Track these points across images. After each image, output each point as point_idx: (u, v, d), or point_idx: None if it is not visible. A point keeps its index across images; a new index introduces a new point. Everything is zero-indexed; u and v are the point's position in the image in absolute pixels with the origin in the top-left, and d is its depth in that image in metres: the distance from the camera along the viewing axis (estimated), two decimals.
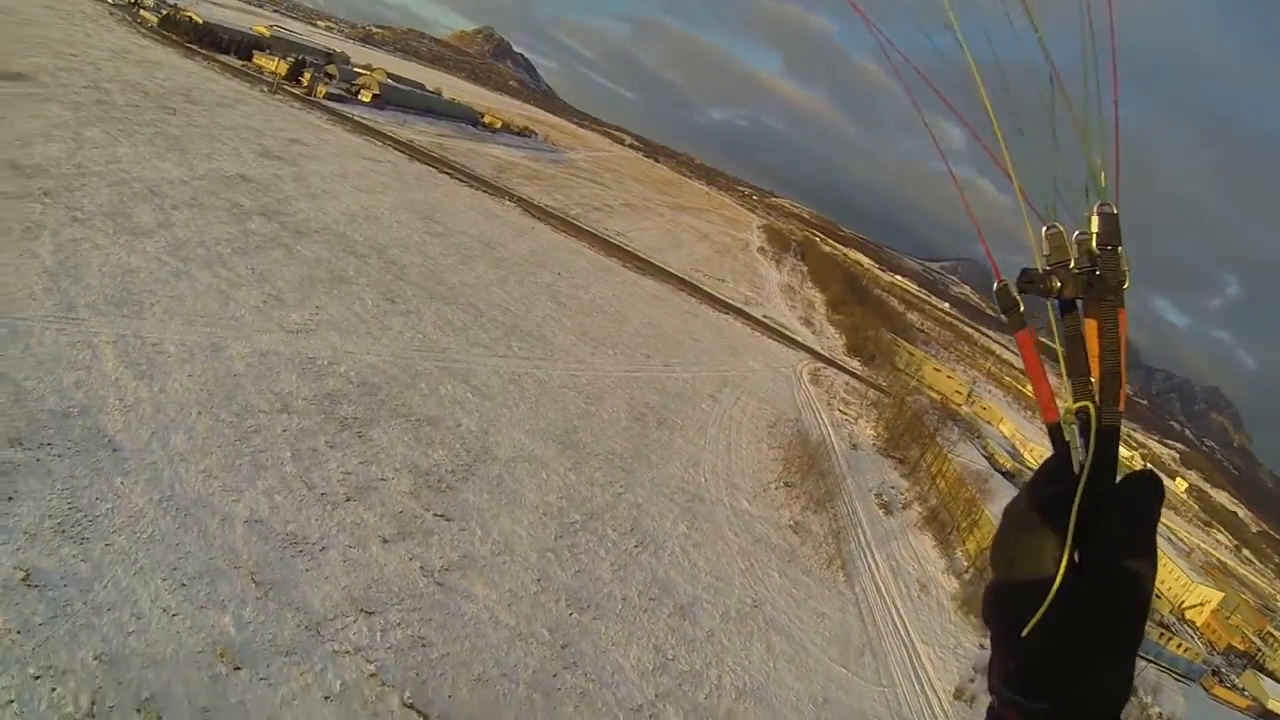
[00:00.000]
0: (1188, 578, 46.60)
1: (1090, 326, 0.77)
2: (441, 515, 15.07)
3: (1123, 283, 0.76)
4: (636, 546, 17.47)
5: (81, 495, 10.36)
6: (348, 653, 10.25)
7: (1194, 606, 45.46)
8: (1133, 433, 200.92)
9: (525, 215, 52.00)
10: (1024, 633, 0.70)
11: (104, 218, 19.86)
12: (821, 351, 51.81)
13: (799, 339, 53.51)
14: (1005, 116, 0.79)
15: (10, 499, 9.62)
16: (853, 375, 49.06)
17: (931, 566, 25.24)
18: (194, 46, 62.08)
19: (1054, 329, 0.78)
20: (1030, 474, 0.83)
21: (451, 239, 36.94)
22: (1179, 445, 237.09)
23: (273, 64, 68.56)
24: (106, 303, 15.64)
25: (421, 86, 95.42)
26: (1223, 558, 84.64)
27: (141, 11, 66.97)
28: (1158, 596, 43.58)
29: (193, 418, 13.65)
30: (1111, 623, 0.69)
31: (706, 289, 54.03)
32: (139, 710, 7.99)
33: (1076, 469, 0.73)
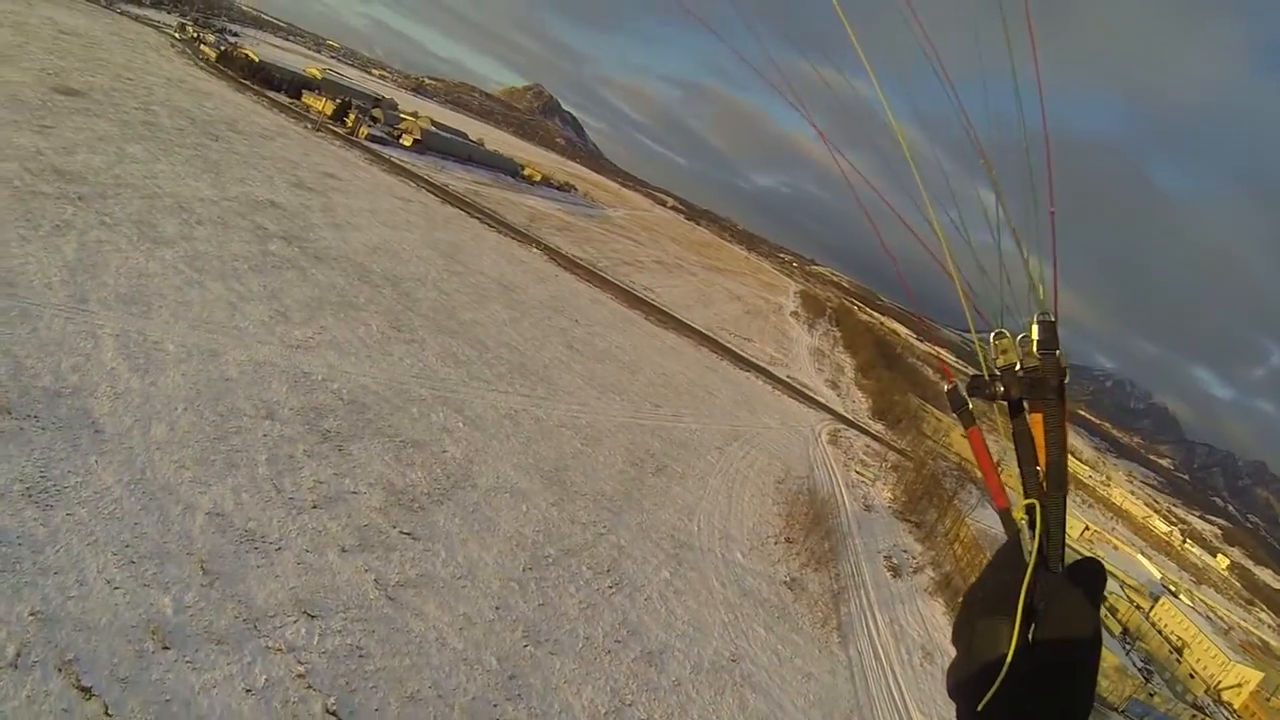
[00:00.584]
0: (1226, 657, 43.01)
1: (1035, 421, 0.89)
2: (408, 534, 15.34)
3: (1064, 380, 0.89)
4: (611, 587, 17.26)
5: (55, 466, 11.17)
6: (280, 650, 10.38)
7: (1232, 687, 41.76)
8: (1173, 508, 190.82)
9: (550, 263, 54.76)
10: (979, 707, 0.81)
11: (130, 225, 22.14)
12: (844, 413, 52.17)
13: (822, 400, 53.56)
14: (955, 235, 0.93)
15: None
16: (874, 438, 48.66)
17: (939, 634, 23.86)
18: (246, 82, 69.44)
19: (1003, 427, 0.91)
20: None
21: (470, 278, 39.29)
22: (1221, 521, 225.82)
23: (319, 104, 76.06)
24: (118, 300, 17.24)
25: (465, 135, 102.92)
26: (1265, 636, 77.35)
27: (202, 46, 76.04)
28: (1191, 676, 40.60)
29: (177, 412, 14.62)
30: (1061, 696, 0.81)
31: (730, 346, 54.74)
32: (60, 669, 8.30)
33: (1026, 557, 0.85)
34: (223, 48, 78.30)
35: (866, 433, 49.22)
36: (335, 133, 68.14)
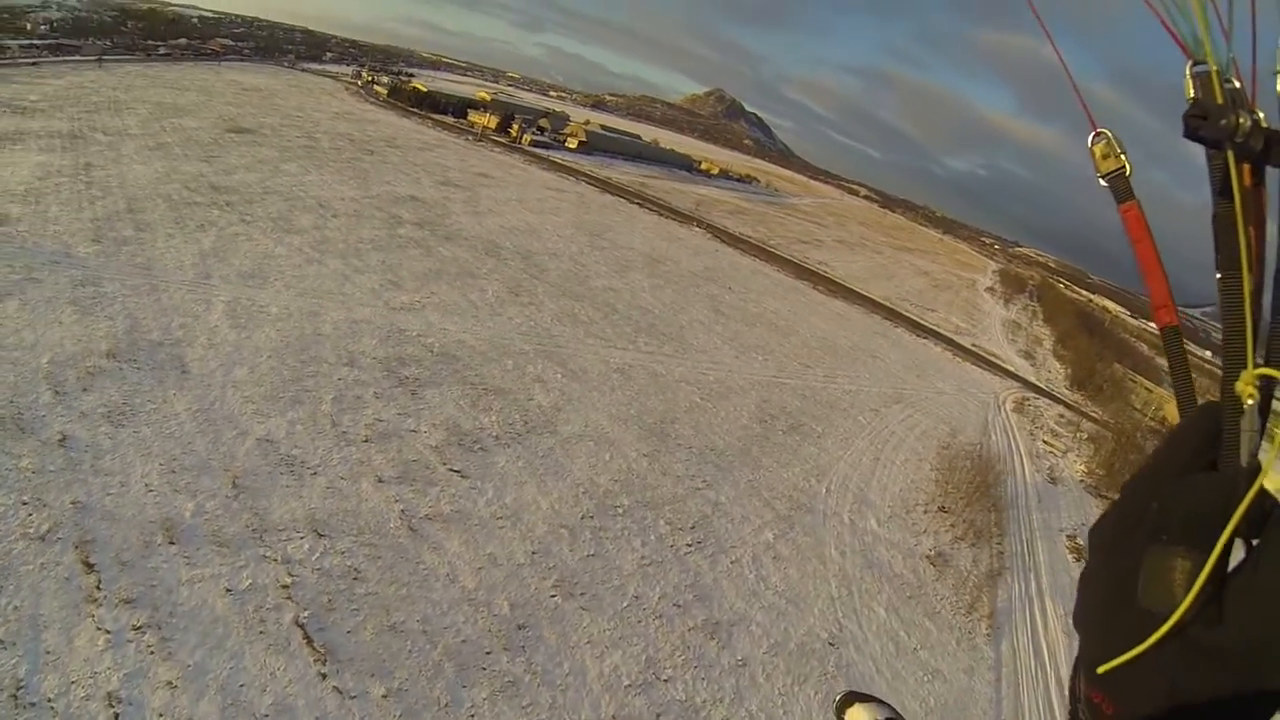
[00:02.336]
0: None
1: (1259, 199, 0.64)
2: (457, 471, 15.98)
3: None
4: (689, 545, 15.77)
5: (137, 396, 14.50)
6: (274, 561, 11.50)
7: None
8: None
9: (711, 240, 57.80)
10: (1100, 669, 0.65)
11: (267, 221, 28.12)
12: (1035, 382, 51.31)
13: (1010, 368, 52.44)
14: None
15: (85, 390, 14.12)
16: (1069, 407, 46.52)
17: None
18: (414, 110, 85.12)
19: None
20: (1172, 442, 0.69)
21: (613, 253, 42.47)
22: None
23: (484, 119, 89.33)
24: (238, 275, 22.04)
25: (637, 137, 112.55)
26: None
27: (375, 87, 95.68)
28: None
29: (261, 359, 17.85)
30: (1238, 701, 0.58)
31: (909, 315, 54.74)
32: (76, 547, 10.46)
33: (1246, 458, 0.61)
34: (393, 83, 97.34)
35: (1060, 402, 46.96)
36: (498, 142, 79.79)
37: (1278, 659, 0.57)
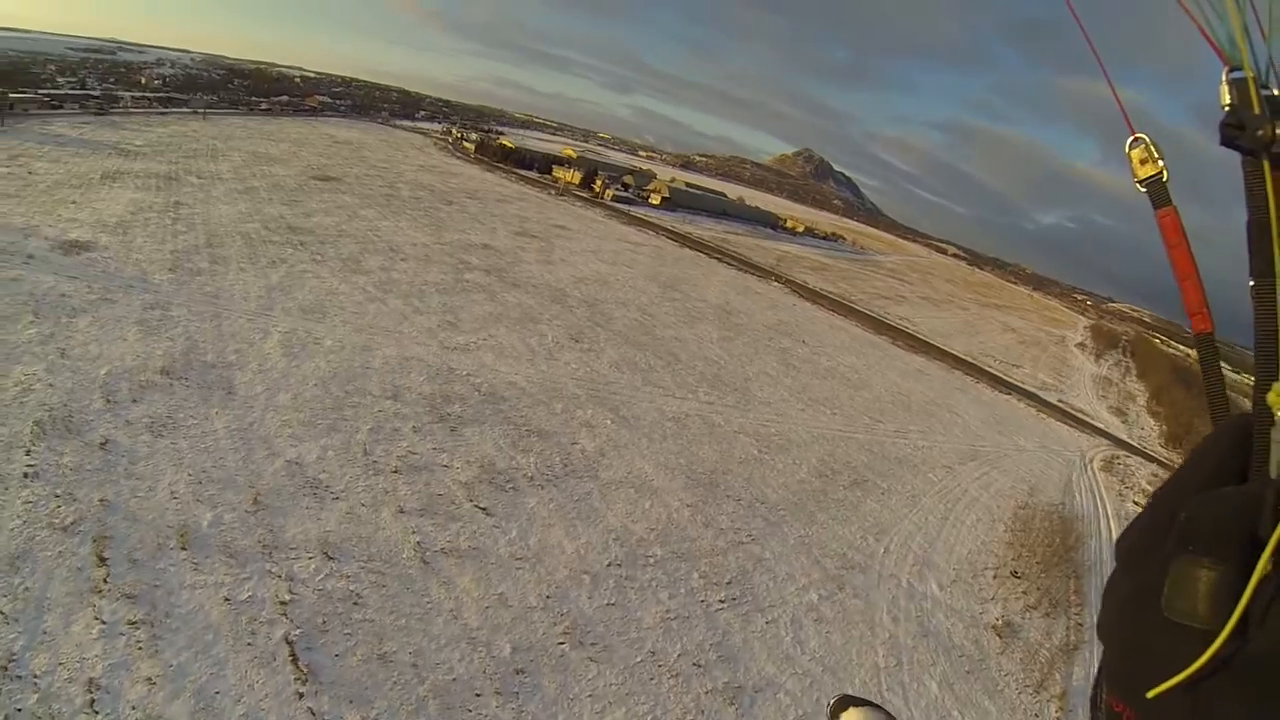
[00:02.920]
0: None
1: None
2: (482, 509, 16.13)
3: None
4: (722, 601, 15.01)
5: (181, 410, 15.90)
6: (278, 578, 11.88)
7: None
8: None
9: (789, 294, 59.50)
10: (1150, 694, 0.67)
11: (337, 261, 30.80)
12: (1127, 440, 50.67)
13: (1100, 425, 51.52)
14: None
15: (134, 401, 15.69)
16: (1163, 465, 46.02)
17: None
18: (499, 165, 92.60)
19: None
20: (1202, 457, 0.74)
21: (685, 304, 43.99)
22: None
23: (567, 175, 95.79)
24: (299, 309, 24.16)
25: (722, 195, 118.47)
26: None
27: (463, 143, 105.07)
28: None
29: (307, 387, 19.20)
30: (1262, 714, 0.60)
31: (991, 371, 55.44)
32: (94, 540, 11.36)
33: (1275, 470, 0.65)
34: (481, 139, 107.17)
35: (1154, 460, 46.13)
36: (580, 197, 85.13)
37: None
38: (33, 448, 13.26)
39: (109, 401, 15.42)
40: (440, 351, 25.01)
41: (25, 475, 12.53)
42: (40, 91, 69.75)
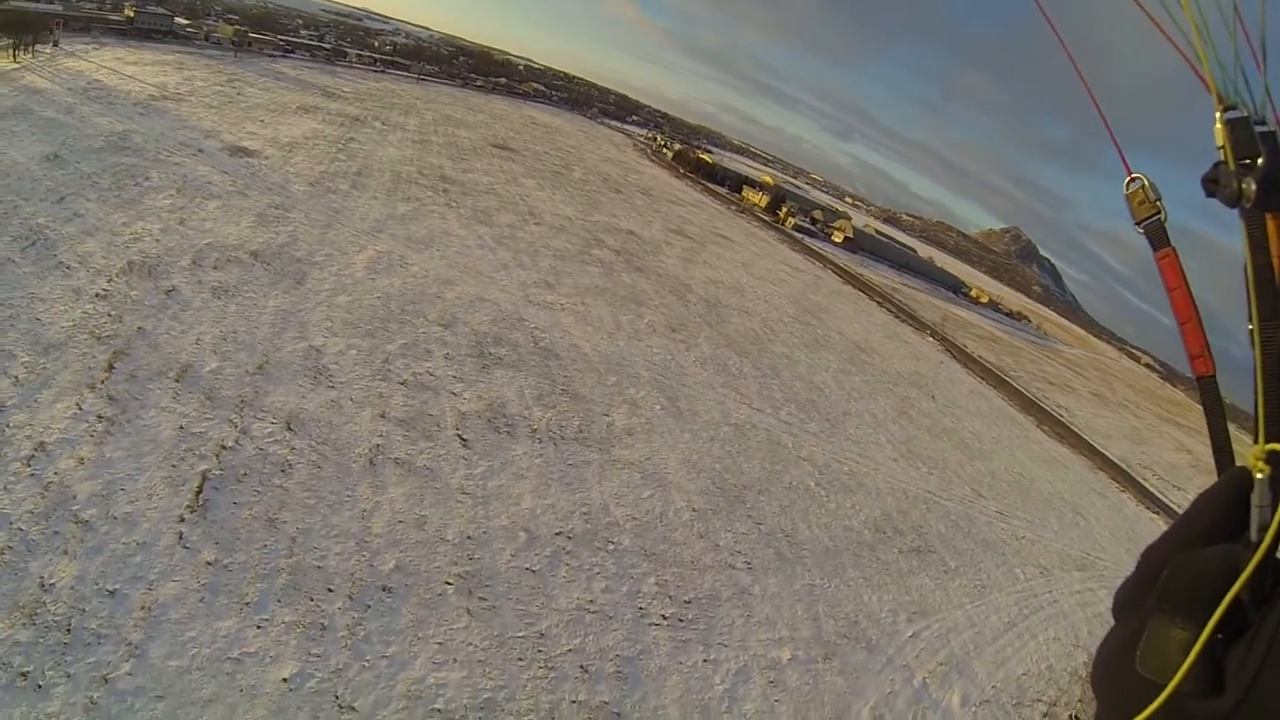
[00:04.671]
0: None
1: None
2: (463, 439, 16.96)
3: None
4: (664, 618, 13.99)
5: (248, 284, 18.75)
6: (234, 427, 13.63)
7: None
8: None
9: (941, 352, 56.49)
10: None
11: (469, 210, 33.90)
12: None
13: None
14: None
15: (215, 268, 18.90)
16: None
17: None
18: (689, 174, 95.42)
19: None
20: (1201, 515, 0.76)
21: (817, 330, 42.68)
22: None
23: (756, 196, 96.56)
24: (407, 238, 27.15)
25: (911, 251, 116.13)
26: None
27: (663, 150, 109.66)
28: None
29: (371, 296, 21.58)
30: None
31: (1145, 484, 49.04)
32: (115, 353, 14.07)
33: (1255, 533, 0.68)
34: (681, 150, 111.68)
35: None
36: (759, 218, 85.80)
37: None
38: (115, 279, 16.68)
39: (194, 263, 18.80)
40: (520, 302, 26.58)
41: (97, 295, 15.82)
42: (279, 36, 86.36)
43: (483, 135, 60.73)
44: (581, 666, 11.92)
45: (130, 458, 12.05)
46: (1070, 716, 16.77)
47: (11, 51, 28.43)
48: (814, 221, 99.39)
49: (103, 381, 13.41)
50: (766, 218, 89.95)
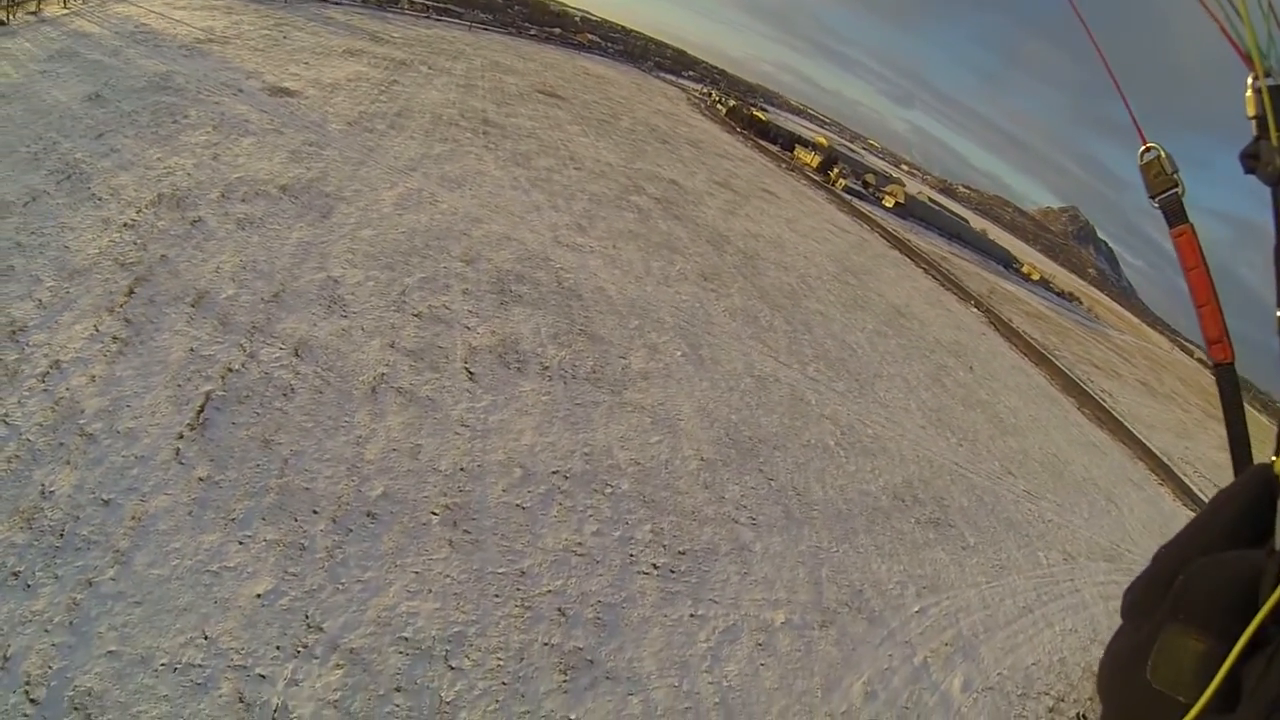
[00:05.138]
0: None
1: None
2: (470, 372, 16.86)
3: None
4: (655, 567, 13.78)
5: (273, 216, 18.90)
6: (243, 351, 13.79)
7: None
8: None
9: (984, 324, 54.54)
10: None
11: (507, 153, 33.40)
12: None
13: None
14: None
15: (243, 200, 19.05)
16: None
17: None
18: (741, 130, 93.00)
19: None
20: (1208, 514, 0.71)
21: (856, 291, 41.40)
22: None
23: (808, 156, 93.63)
24: (440, 177, 26.81)
25: (964, 220, 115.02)
26: None
27: (717, 105, 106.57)
28: None
29: (396, 232, 21.51)
30: None
31: (1184, 479, 47.11)
32: (136, 279, 14.42)
33: (1279, 540, 0.62)
34: (735, 105, 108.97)
35: None
36: (810, 178, 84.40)
37: None
38: (143, 210, 16.99)
39: (223, 196, 19.00)
40: (548, 243, 26.14)
41: (125, 225, 16.15)
42: None
43: (531, 82, 59.55)
44: (559, 609, 11.65)
45: (139, 376, 12.36)
46: (1078, 715, 15.63)
47: None
48: (865, 185, 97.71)
49: (121, 305, 13.75)
50: (817, 178, 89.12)
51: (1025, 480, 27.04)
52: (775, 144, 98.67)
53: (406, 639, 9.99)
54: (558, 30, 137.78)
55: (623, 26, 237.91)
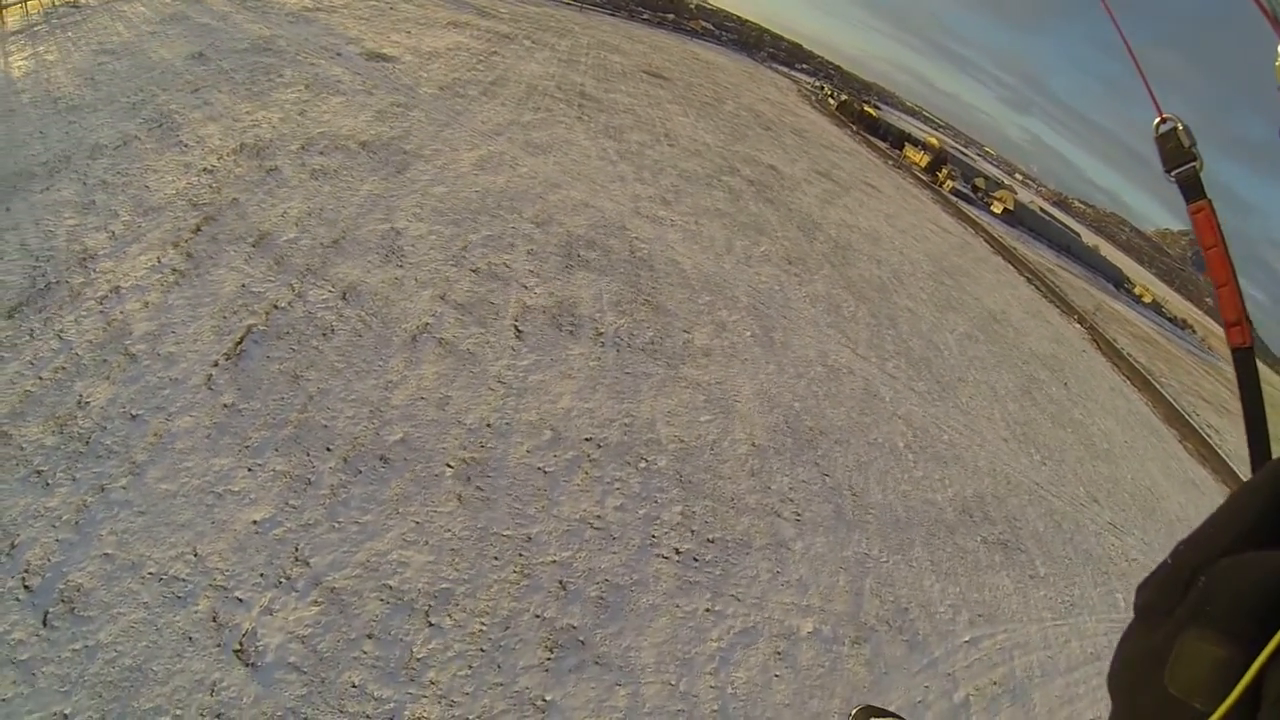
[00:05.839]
0: None
1: None
2: (518, 331, 16.42)
3: None
4: (677, 553, 12.99)
5: (348, 169, 19.41)
6: (292, 290, 14.04)
7: None
8: None
9: (1087, 341, 52.06)
10: None
11: (600, 126, 33.08)
12: None
13: None
14: None
15: (321, 153, 19.68)
16: None
17: None
18: (850, 124, 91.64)
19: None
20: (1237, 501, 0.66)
21: (951, 292, 39.01)
22: None
23: (917, 155, 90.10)
24: (524, 143, 26.77)
25: (1076, 235, 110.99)
26: None
27: (829, 99, 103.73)
28: None
29: (470, 191, 21.47)
30: None
31: None
32: (204, 218, 15.05)
33: None
34: (846, 99, 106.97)
35: None
36: (917, 177, 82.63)
37: None
38: (224, 157, 17.82)
39: (302, 148, 19.66)
40: (628, 213, 25.42)
41: (204, 170, 16.97)
42: None
43: (636, 62, 59.11)
44: (561, 581, 10.76)
45: (189, 306, 12.77)
46: None
47: None
48: (975, 188, 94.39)
49: (186, 240, 14.35)
50: (924, 177, 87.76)
51: (1112, 511, 23.82)
52: (885, 141, 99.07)
53: (390, 587, 9.55)
54: (670, 16, 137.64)
55: (738, 16, 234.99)
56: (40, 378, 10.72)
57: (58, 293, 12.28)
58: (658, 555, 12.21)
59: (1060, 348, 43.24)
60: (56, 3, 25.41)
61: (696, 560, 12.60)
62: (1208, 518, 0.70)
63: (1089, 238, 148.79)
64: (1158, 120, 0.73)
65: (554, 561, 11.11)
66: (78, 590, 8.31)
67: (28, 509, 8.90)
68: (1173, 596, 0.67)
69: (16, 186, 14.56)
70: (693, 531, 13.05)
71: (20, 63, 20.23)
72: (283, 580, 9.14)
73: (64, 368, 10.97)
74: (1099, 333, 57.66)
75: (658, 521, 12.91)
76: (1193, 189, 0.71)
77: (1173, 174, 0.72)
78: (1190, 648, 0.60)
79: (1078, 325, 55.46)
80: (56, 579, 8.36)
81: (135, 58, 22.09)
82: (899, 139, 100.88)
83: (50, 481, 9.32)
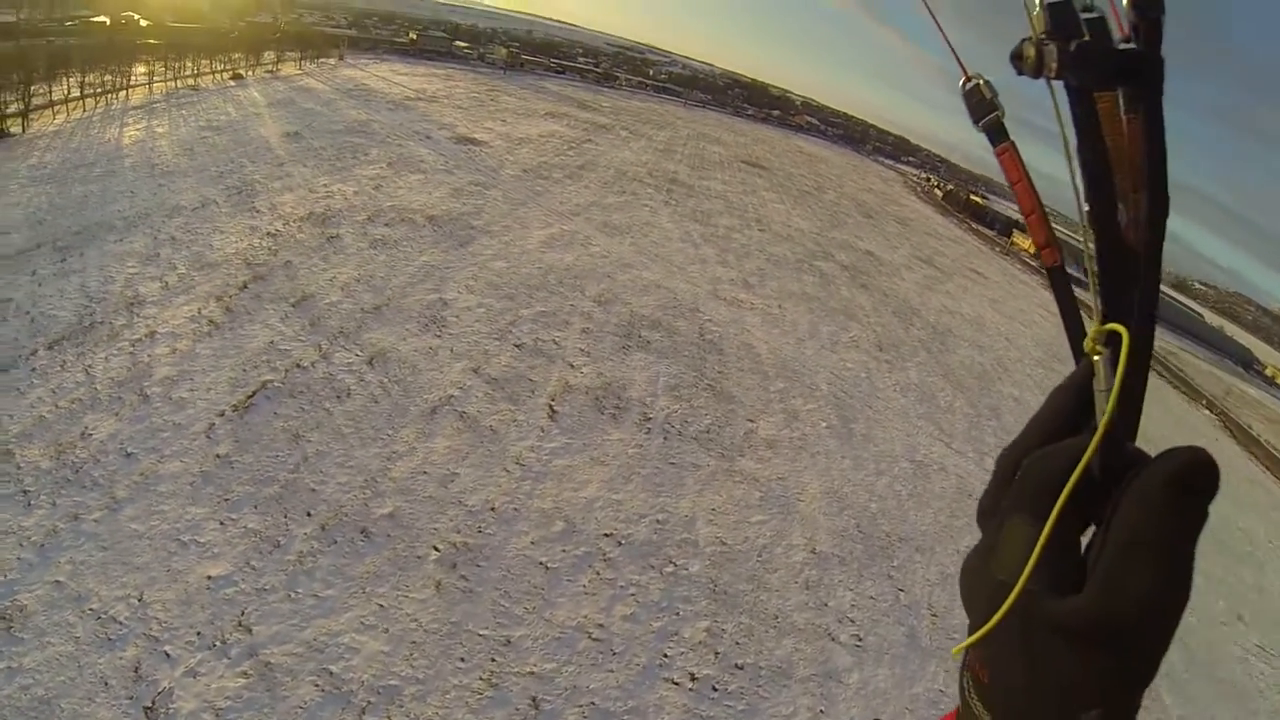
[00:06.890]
0: None
1: (1113, 126, 0.69)
2: (552, 412, 16.23)
3: (1160, 68, 0.66)
4: (685, 709, 11.11)
5: (409, 242, 20.68)
6: (318, 351, 14.79)
7: None
8: None
9: (1218, 429, 50.41)
10: (954, 651, 0.75)
11: (686, 210, 34.12)
12: None
13: None
14: None
15: (386, 225, 21.28)
16: None
17: None
18: (957, 213, 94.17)
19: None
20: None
21: (1059, 378, 35.92)
22: None
23: (1026, 242, 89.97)
24: (602, 224, 27.69)
25: (1199, 316, 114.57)
26: None
27: (935, 190, 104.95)
28: None
29: (529, 267, 22.15)
30: (1099, 676, 0.62)
31: None
32: (255, 278, 16.39)
33: (1098, 417, 0.69)
34: (950, 188, 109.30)
35: None
36: (1026, 263, 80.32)
37: (1130, 632, 0.61)
38: (290, 223, 19.55)
39: (368, 219, 21.31)
40: (704, 296, 25.35)
41: (268, 234, 18.66)
42: (550, 59, 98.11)
43: (735, 153, 61.64)
44: (534, 699, 9.43)
45: (214, 356, 13.61)
46: None
47: (299, 61, 36.53)
48: (1086, 272, 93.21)
49: (231, 295, 15.58)
50: (1034, 263, 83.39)
51: (1260, 632, 19.47)
52: (992, 229, 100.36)
53: (331, 673, 8.98)
54: (776, 112, 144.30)
55: (843, 112, 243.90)
56: (57, 405, 11.60)
57: (99, 332, 13.53)
58: (666, 679, 10.73)
59: (1186, 435, 39.23)
60: (179, 86, 30.18)
61: (716, 690, 10.99)
62: (1028, 422, 0.77)
63: (1212, 319, 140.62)
64: (962, 80, 0.78)
65: (531, 673, 9.99)
66: (20, 611, 8.48)
67: (2, 524, 9.41)
68: (999, 496, 0.75)
69: (95, 236, 16.68)
70: (717, 654, 11.50)
71: (133, 133, 23.92)
72: (217, 643, 8.84)
73: (80, 399, 11.81)
74: (1231, 418, 54.41)
75: (675, 638, 11.51)
76: (997, 133, 0.79)
77: (980, 124, 0.78)
78: (1008, 533, 0.69)
79: (1206, 411, 53.41)
80: (5, 596, 8.62)
81: (235, 134, 25.50)
82: (1007, 226, 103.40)
83: (32, 503, 9.81)
